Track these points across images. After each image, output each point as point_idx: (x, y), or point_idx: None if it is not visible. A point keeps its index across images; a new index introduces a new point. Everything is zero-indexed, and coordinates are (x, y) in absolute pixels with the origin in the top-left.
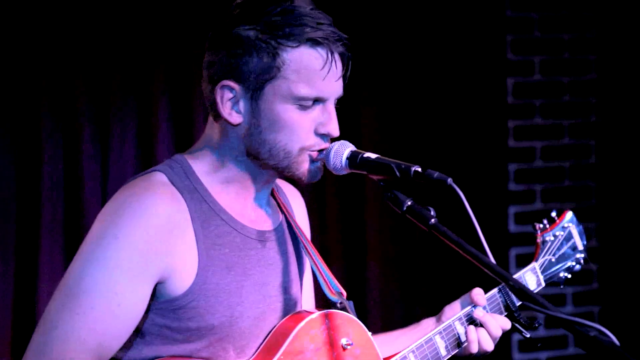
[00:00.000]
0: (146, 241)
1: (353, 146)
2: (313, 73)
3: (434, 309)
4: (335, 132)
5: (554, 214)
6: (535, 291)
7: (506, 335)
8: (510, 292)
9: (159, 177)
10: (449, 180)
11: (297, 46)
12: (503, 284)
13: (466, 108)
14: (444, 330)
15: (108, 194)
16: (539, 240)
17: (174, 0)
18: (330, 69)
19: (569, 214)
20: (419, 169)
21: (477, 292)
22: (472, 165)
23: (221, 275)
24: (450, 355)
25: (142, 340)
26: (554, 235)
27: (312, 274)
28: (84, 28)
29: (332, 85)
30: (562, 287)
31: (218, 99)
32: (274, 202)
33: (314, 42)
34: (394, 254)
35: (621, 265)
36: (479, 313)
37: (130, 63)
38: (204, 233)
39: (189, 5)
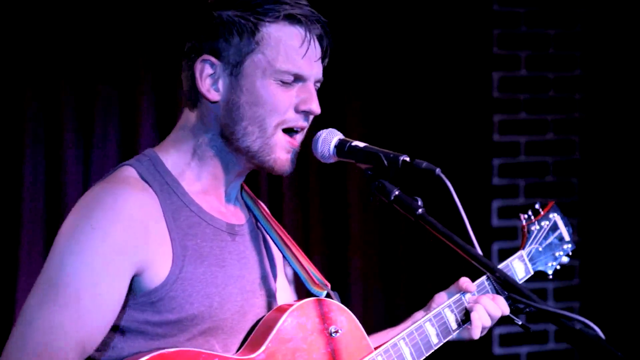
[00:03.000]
0: (122, 232)
1: (341, 134)
2: (292, 49)
3: (417, 303)
4: (317, 110)
5: (537, 206)
6: (525, 279)
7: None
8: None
9: (129, 172)
10: (437, 170)
11: (275, 21)
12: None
13: (451, 102)
14: (434, 317)
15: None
16: (525, 230)
17: (158, 1)
18: (309, 47)
19: (553, 206)
20: (407, 159)
21: (465, 280)
22: (457, 158)
23: (195, 264)
24: (442, 342)
25: (123, 339)
26: (540, 225)
27: (291, 269)
28: (69, 27)
29: (312, 65)
30: (550, 276)
31: (197, 74)
32: (243, 199)
33: (292, 19)
34: (376, 247)
35: (603, 261)
36: (471, 298)
37: (114, 62)
38: (175, 224)
39: (173, 4)
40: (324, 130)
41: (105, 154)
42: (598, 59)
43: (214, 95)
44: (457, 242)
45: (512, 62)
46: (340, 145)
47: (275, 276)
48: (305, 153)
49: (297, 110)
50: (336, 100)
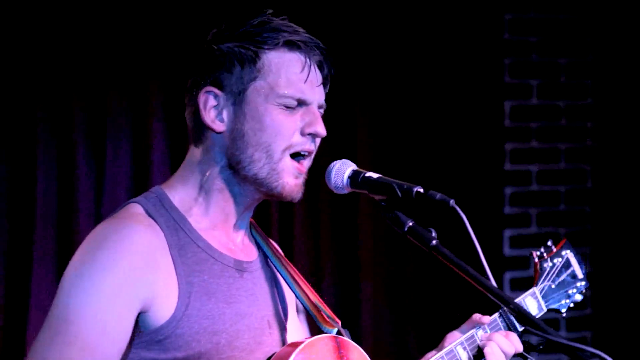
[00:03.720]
0: (127, 269)
1: (355, 165)
2: (293, 75)
3: (427, 329)
4: (322, 132)
5: (550, 243)
6: (538, 316)
7: None
8: (511, 316)
9: (135, 209)
10: (452, 201)
11: (274, 48)
12: (503, 308)
13: (463, 130)
14: (446, 354)
15: (102, 213)
16: (537, 267)
17: (170, 18)
18: (309, 72)
19: (566, 242)
20: (421, 190)
21: (478, 316)
22: (468, 187)
23: (202, 301)
24: None
25: None
26: (552, 262)
27: (303, 307)
28: (81, 42)
29: (314, 90)
30: (564, 315)
31: (201, 106)
32: (252, 236)
33: (292, 45)
34: (387, 275)
35: (615, 290)
36: (484, 336)
37: (126, 78)
38: (181, 260)
39: (184, 21)
40: (337, 161)
41: (118, 169)
42: (609, 88)
43: (219, 126)
44: (471, 274)
45: (524, 91)
46: (354, 176)
47: (286, 313)
48: (316, 181)
49: (302, 134)
50: (347, 127)
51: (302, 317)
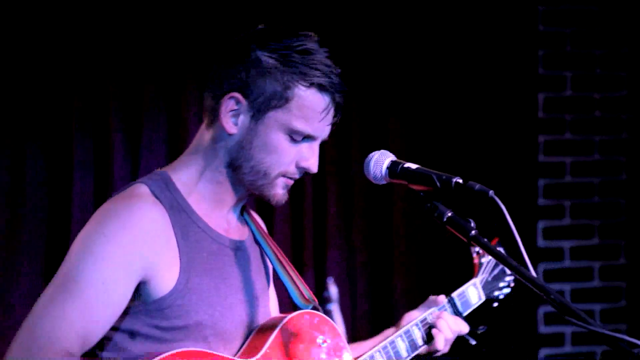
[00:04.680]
0: (131, 240)
1: (393, 156)
2: (313, 113)
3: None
4: (314, 169)
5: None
6: (478, 304)
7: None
8: (456, 303)
9: (142, 189)
10: (491, 192)
11: (307, 87)
12: (451, 295)
13: (497, 122)
14: (404, 333)
15: None
16: (476, 261)
17: (206, 13)
18: (328, 113)
19: (498, 241)
20: (460, 181)
21: (434, 297)
22: (502, 179)
23: (201, 276)
24: (410, 357)
25: (134, 342)
26: (489, 258)
27: (274, 285)
28: (118, 36)
29: (325, 128)
30: (496, 304)
31: (222, 107)
32: (242, 218)
33: (322, 88)
34: (420, 269)
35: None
36: (434, 314)
37: (162, 71)
38: (183, 238)
39: (221, 15)
40: (376, 152)
41: (153, 160)
42: None
43: (231, 128)
44: (511, 264)
45: (558, 83)
46: (392, 167)
47: (268, 287)
48: (349, 174)
49: (297, 166)
50: (379, 120)
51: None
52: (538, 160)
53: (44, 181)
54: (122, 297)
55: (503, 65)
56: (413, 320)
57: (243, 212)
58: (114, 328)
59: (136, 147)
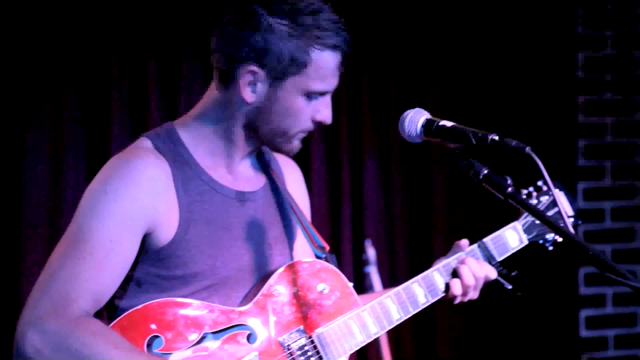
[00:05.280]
0: (133, 196)
1: (428, 114)
2: (328, 72)
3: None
4: (330, 120)
5: (540, 183)
6: (518, 248)
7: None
8: (490, 248)
9: (144, 143)
10: (527, 148)
11: (322, 49)
12: (482, 240)
13: (536, 83)
14: (422, 279)
15: None
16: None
17: None
18: (339, 69)
19: (556, 182)
20: (496, 137)
21: (458, 242)
22: (541, 140)
23: (201, 228)
24: (430, 302)
25: (139, 289)
26: (539, 200)
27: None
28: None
29: (337, 81)
30: (550, 248)
31: (239, 78)
32: (260, 166)
33: (336, 47)
34: (460, 230)
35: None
36: (458, 258)
37: (197, 32)
38: (184, 191)
39: None
40: (410, 110)
41: None
42: None
43: (249, 97)
44: (548, 220)
45: (598, 42)
46: (427, 125)
47: (291, 236)
48: (386, 137)
49: (313, 120)
50: (418, 82)
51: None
52: (578, 121)
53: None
54: (129, 252)
55: (542, 26)
56: (434, 267)
57: (258, 160)
58: (126, 278)
59: (173, 108)
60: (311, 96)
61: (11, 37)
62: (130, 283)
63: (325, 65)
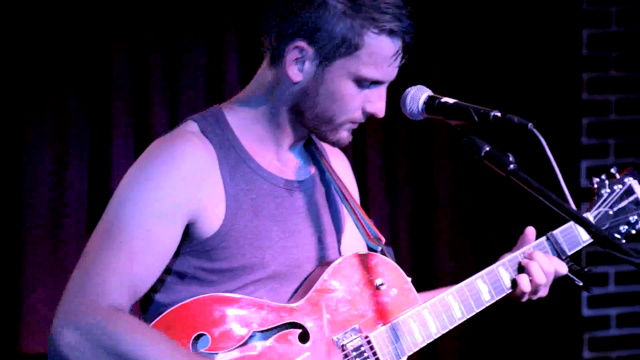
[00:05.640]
0: (175, 184)
1: (430, 91)
2: (383, 59)
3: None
4: (382, 114)
5: (613, 170)
6: (590, 241)
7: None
8: (560, 241)
9: (191, 127)
10: (530, 125)
11: (378, 33)
12: (552, 232)
13: (540, 60)
14: (486, 274)
15: None
16: (594, 192)
17: None
18: (397, 57)
19: (630, 170)
20: (499, 114)
21: (528, 232)
22: (545, 118)
23: (249, 218)
24: (494, 300)
25: (181, 282)
26: (611, 189)
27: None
28: None
29: (393, 72)
30: (623, 240)
31: (287, 55)
32: (308, 155)
33: (393, 33)
34: (464, 208)
35: None
36: (525, 253)
37: (202, 19)
38: (231, 179)
39: None
40: (412, 87)
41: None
42: None
43: (296, 76)
44: (551, 198)
45: (603, 19)
46: (429, 102)
47: (339, 228)
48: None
49: (363, 110)
50: (422, 56)
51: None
52: (582, 98)
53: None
54: (169, 243)
55: (546, 2)
56: (501, 260)
57: (309, 148)
58: (165, 270)
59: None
60: (362, 83)
61: (10, 35)
62: (171, 276)
63: (379, 51)
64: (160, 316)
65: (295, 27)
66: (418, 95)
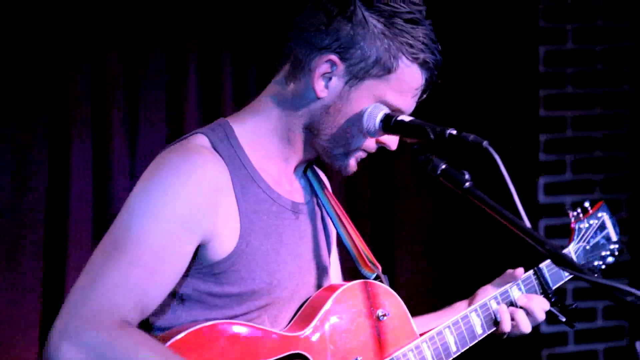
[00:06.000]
0: (193, 199)
1: (387, 109)
2: (409, 89)
3: (465, 282)
4: (394, 146)
5: (587, 204)
6: (569, 278)
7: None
8: (545, 275)
9: (202, 141)
10: (485, 142)
11: (412, 60)
12: (538, 266)
13: (497, 77)
14: (480, 308)
15: (136, 166)
16: (574, 226)
17: None
18: (420, 90)
19: (602, 205)
20: (454, 132)
21: (512, 271)
22: (503, 135)
23: (261, 240)
24: (486, 334)
25: (182, 306)
26: (588, 224)
27: (338, 248)
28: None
29: (413, 104)
30: (595, 275)
31: (316, 68)
32: (306, 179)
33: (425, 65)
34: (424, 226)
35: None
36: (518, 293)
37: (163, 31)
38: (243, 198)
39: None
40: (370, 105)
41: (153, 125)
42: None
43: (322, 92)
44: (506, 216)
45: (559, 35)
46: (386, 120)
47: (329, 252)
48: None
49: (376, 141)
50: None
51: (337, 252)
52: (539, 115)
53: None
54: (183, 261)
55: (503, 19)
56: (490, 295)
57: (307, 170)
58: None
59: (134, 117)
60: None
61: None
62: (171, 298)
63: (408, 78)
64: (168, 343)
65: (329, 40)
66: (375, 113)
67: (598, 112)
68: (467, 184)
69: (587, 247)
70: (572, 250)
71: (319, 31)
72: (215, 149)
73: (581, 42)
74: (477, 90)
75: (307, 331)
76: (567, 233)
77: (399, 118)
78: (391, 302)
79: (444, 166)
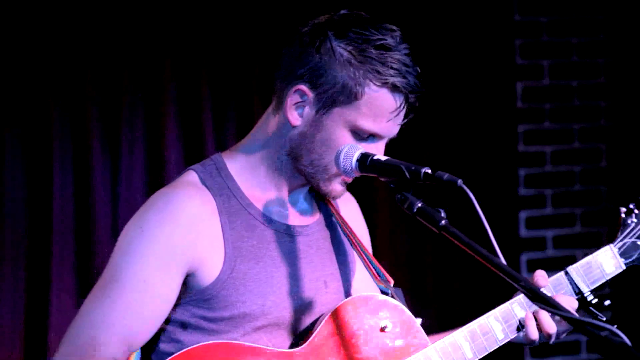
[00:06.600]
0: (170, 234)
1: (362, 148)
2: (382, 113)
3: (445, 311)
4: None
5: (631, 206)
6: (614, 274)
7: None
8: (578, 276)
9: (190, 177)
10: (459, 181)
11: (380, 86)
12: (568, 267)
13: (476, 113)
14: (499, 312)
15: (119, 200)
16: (620, 221)
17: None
18: (398, 114)
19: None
20: (429, 171)
21: (539, 274)
22: (482, 170)
23: (249, 265)
24: (509, 339)
25: (184, 332)
26: (638, 219)
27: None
28: (92, 33)
29: (393, 128)
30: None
31: (288, 98)
32: (313, 200)
33: (395, 88)
34: (404, 257)
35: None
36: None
37: (139, 70)
38: (230, 226)
39: (196, 5)
40: (345, 145)
41: (132, 164)
42: (622, 66)
43: (295, 120)
44: (481, 253)
45: (535, 72)
46: (362, 159)
47: (348, 271)
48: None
49: None
50: None
51: (363, 268)
52: (518, 150)
53: (22, 184)
54: (167, 293)
55: (481, 56)
56: (514, 298)
57: (313, 193)
58: (167, 320)
59: (115, 148)
60: (360, 135)
61: None
62: (173, 326)
63: (379, 103)
64: None
65: (301, 71)
66: (351, 153)
67: (576, 146)
68: (443, 221)
69: (638, 243)
70: (614, 247)
71: (292, 63)
72: (203, 183)
73: (558, 77)
74: (456, 127)
75: (304, 347)
76: (550, 266)
77: (375, 157)
78: (396, 314)
79: (419, 204)
